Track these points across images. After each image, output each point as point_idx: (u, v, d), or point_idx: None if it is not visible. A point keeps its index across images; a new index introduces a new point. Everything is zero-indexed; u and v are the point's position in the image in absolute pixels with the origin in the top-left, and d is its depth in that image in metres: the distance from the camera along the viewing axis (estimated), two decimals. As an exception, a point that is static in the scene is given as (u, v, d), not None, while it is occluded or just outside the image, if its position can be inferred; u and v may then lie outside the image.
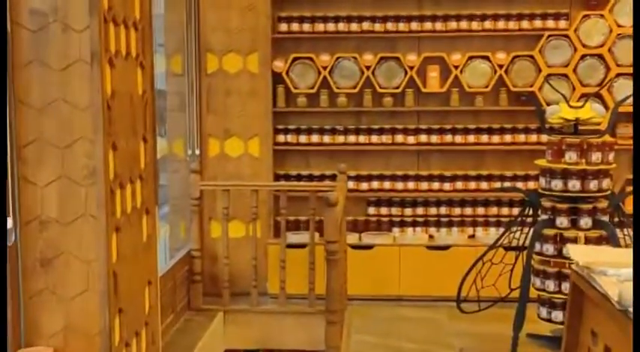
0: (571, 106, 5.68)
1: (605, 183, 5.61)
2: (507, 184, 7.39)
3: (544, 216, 5.67)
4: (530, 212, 5.91)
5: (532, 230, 5.82)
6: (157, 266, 4.09)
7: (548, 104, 7.29)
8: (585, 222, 5.55)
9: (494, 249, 6.02)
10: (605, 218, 5.58)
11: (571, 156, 5.54)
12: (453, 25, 7.33)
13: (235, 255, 6.83)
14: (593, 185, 5.54)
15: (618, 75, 7.24)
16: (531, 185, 7.35)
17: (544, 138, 7.21)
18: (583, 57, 7.27)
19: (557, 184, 5.59)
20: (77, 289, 3.40)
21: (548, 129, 5.76)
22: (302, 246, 7.11)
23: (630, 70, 7.22)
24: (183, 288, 6.58)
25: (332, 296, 5.41)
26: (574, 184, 5.54)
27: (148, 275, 3.90)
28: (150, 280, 3.92)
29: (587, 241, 5.50)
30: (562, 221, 5.59)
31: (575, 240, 5.51)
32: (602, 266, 3.06)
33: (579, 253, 3.35)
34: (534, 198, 5.79)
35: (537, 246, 5.67)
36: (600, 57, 7.27)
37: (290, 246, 6.86)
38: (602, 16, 7.22)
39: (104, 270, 3.34)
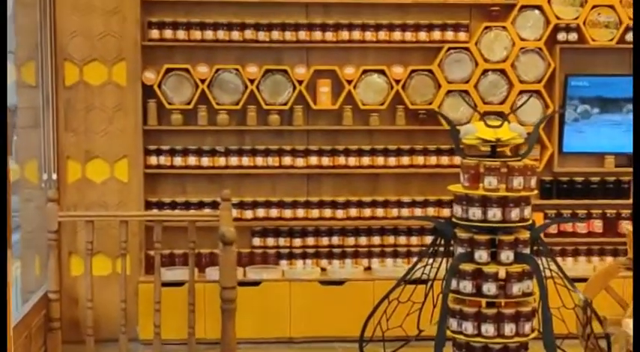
0: (488, 125, 5.06)
1: (527, 211, 5.01)
2: (405, 211, 6.76)
3: (460, 249, 5.02)
4: (442, 243, 5.25)
5: (447, 264, 5.16)
6: (10, 316, 3.21)
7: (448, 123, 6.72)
8: (506, 255, 4.92)
9: (401, 285, 5.33)
10: (527, 250, 4.99)
11: (491, 181, 4.91)
12: (344, 35, 6.65)
13: (100, 296, 6.02)
14: (514, 214, 4.92)
15: (522, 92, 6.74)
16: (430, 211, 6.76)
17: (444, 160, 6.74)
18: (485, 72, 6.73)
19: (475, 213, 4.94)
20: None
21: (462, 150, 5.12)
22: (179, 283, 6.29)
23: (534, 87, 6.73)
24: (40, 338, 5.59)
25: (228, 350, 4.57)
26: (494, 213, 4.91)
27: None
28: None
29: (509, 277, 4.89)
30: (481, 254, 4.94)
31: (495, 276, 4.89)
32: None
33: None
34: (447, 229, 5.13)
35: (453, 283, 5.01)
36: (502, 72, 6.74)
37: (165, 284, 6.00)
38: (504, 28, 6.71)
39: None
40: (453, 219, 5.09)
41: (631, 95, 6.77)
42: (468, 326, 4.93)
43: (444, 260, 5.23)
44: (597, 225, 6.85)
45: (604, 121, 6.82)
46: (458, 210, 5.04)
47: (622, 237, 6.85)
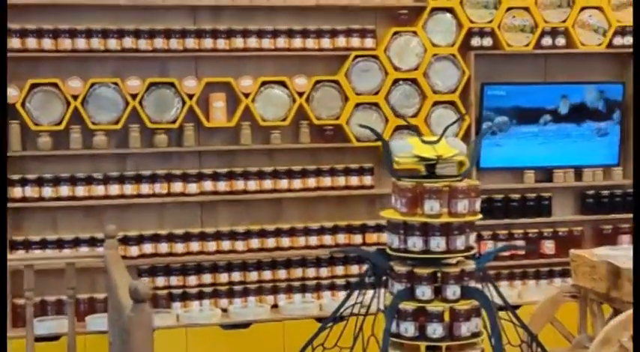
0: (424, 141, 4.38)
1: (472, 239, 4.36)
2: (313, 239, 6.02)
3: (398, 286, 4.30)
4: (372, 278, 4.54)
5: (378, 301, 4.45)
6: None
7: (358, 139, 6.06)
8: (453, 290, 4.25)
9: (325, 329, 4.57)
10: (474, 283, 4.34)
11: (432, 205, 4.23)
12: (238, 42, 5.86)
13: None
14: (460, 242, 4.26)
15: (436, 103, 6.13)
16: (341, 239, 6.05)
17: (353, 181, 6.07)
18: (395, 82, 6.09)
19: (416, 243, 4.24)
20: None
21: (396, 171, 4.42)
22: (54, 337, 5.33)
23: (449, 97, 6.14)
24: None
25: None
26: (438, 242, 4.23)
27: None
28: None
29: (456, 316, 4.21)
30: (424, 290, 4.24)
31: (441, 316, 4.20)
32: None
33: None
34: (382, 262, 4.41)
35: (393, 326, 4.30)
36: (414, 82, 6.12)
37: (39, 338, 5.07)
38: (414, 33, 6.09)
39: None
40: (388, 250, 4.38)
41: (548, 105, 6.39)
42: (411, 376, 4.24)
43: (378, 296, 4.51)
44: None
45: (522, 133, 6.31)
46: (394, 239, 4.33)
47: (545, 258, 6.37)
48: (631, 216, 6.43)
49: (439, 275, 4.27)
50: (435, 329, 4.21)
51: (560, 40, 6.26)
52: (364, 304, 4.55)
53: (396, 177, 4.37)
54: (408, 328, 4.24)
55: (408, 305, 4.25)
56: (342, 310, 4.54)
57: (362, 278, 4.60)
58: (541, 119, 6.33)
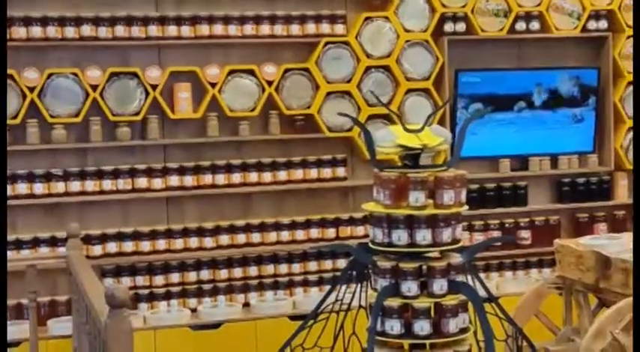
0: (407, 130, 4.17)
1: (458, 231, 4.17)
2: (285, 234, 5.80)
3: (382, 281, 4.09)
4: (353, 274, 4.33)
5: (360, 298, 4.24)
6: None
7: (330, 129, 5.84)
8: (440, 285, 4.05)
9: (305, 329, 4.35)
10: (460, 278, 4.15)
11: (418, 197, 4.02)
12: (204, 29, 5.61)
13: None
14: (446, 235, 4.06)
15: (409, 91, 5.94)
16: (314, 234, 5.85)
17: (326, 173, 5.88)
18: (367, 70, 5.88)
19: (400, 236, 4.04)
20: None
21: (378, 161, 4.21)
22: (15, 343, 5.05)
23: (422, 85, 5.96)
24: None
25: None
26: (424, 235, 4.03)
27: None
28: None
29: (443, 312, 4.02)
30: (410, 286, 4.04)
31: (428, 312, 4.01)
32: None
33: None
34: (365, 257, 4.20)
35: (378, 325, 4.09)
36: (387, 69, 5.92)
37: (-2, 346, 4.75)
38: (386, 18, 5.88)
39: None
40: (371, 245, 4.17)
41: (522, 91, 6.24)
42: (398, 376, 4.03)
43: (360, 293, 4.30)
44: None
45: (497, 121, 6.14)
46: (377, 233, 4.11)
47: (522, 249, 6.22)
48: (606, 203, 6.36)
49: (424, 269, 4.08)
50: (422, 327, 4.01)
51: (535, 25, 6.11)
52: (344, 301, 4.34)
53: (378, 168, 4.16)
54: (394, 326, 4.03)
55: (393, 302, 4.04)
56: (322, 307, 4.33)
57: (343, 273, 4.39)
58: (515, 106, 6.18)
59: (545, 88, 6.22)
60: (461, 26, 5.98)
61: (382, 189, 4.12)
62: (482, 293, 4.17)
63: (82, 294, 3.99)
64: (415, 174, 4.03)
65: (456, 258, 4.14)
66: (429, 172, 4.08)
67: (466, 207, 4.16)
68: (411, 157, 4.20)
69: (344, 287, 4.30)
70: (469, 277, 4.23)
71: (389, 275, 4.09)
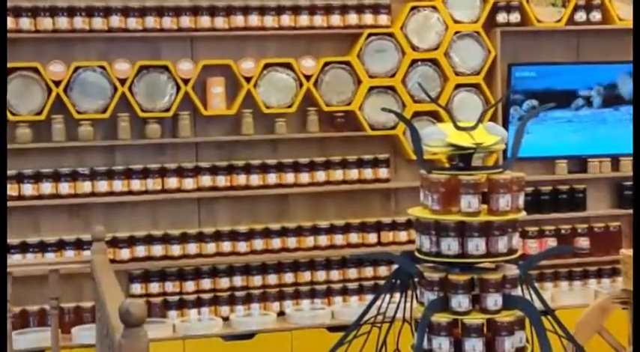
0: (459, 127, 3.79)
1: (515, 240, 3.78)
2: (323, 239, 5.48)
3: (429, 295, 3.72)
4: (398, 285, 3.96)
5: (405, 311, 3.87)
6: None
7: (372, 127, 5.48)
8: (494, 300, 3.66)
9: (344, 344, 3.99)
10: (516, 291, 3.76)
11: (470, 201, 3.64)
12: (239, 20, 5.31)
13: None
14: (502, 244, 3.68)
15: (458, 86, 5.55)
16: (354, 239, 5.51)
17: (367, 173, 5.55)
18: (413, 63, 5.51)
19: (450, 245, 3.66)
20: None
21: (426, 162, 3.83)
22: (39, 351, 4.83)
23: (472, 80, 5.57)
24: None
25: None
26: (477, 244, 3.65)
27: None
28: None
29: (498, 329, 3.63)
30: (460, 301, 3.66)
31: (481, 330, 3.62)
32: None
33: None
34: (410, 267, 3.82)
35: (425, 342, 3.71)
36: (435, 63, 5.53)
37: (18, 354, 4.60)
38: (434, 8, 5.50)
39: None
40: (417, 254, 3.80)
41: (581, 87, 5.81)
42: (447, 400, 3.65)
43: (404, 305, 3.93)
44: (551, 245, 5.73)
45: (554, 119, 5.72)
46: (424, 241, 3.75)
47: (579, 258, 5.79)
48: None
49: (477, 282, 3.70)
50: (474, 346, 3.64)
51: (596, 15, 5.69)
52: (387, 314, 3.98)
53: (426, 169, 3.78)
54: (442, 344, 3.67)
55: (441, 318, 3.68)
56: (363, 320, 3.97)
57: (386, 284, 4.02)
58: (573, 103, 5.75)
59: (606, 84, 5.80)
60: (515, 16, 5.59)
61: (430, 193, 3.75)
62: (537, 305, 3.81)
63: (103, 305, 3.69)
64: (467, 177, 3.65)
65: (512, 270, 3.76)
66: (482, 174, 3.70)
67: (524, 212, 3.78)
68: (463, 158, 3.83)
69: (387, 298, 3.94)
70: (524, 289, 3.89)
71: (437, 287, 3.72)
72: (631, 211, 5.88)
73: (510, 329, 3.69)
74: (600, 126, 5.82)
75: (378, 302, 3.94)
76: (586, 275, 5.83)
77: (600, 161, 5.84)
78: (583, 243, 5.80)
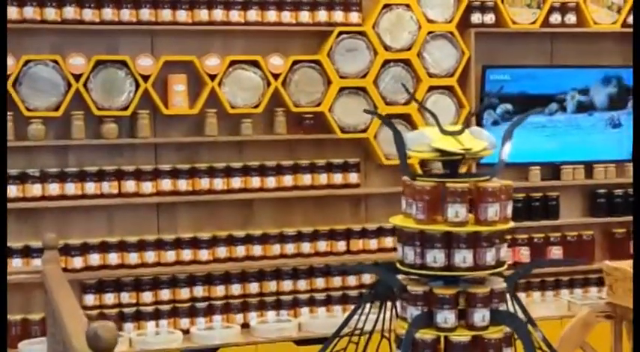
0: (444, 131, 3.56)
1: (503, 251, 3.57)
2: (289, 247, 5.24)
3: (413, 310, 3.48)
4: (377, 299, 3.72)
5: (383, 325, 3.63)
6: None
7: (342, 130, 5.25)
8: (481, 315, 3.45)
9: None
10: (503, 306, 3.54)
11: (458, 211, 3.41)
12: (203, 14, 5.04)
13: None
14: (490, 256, 3.46)
15: (431, 88, 5.34)
16: (322, 247, 5.29)
17: (337, 178, 5.30)
18: (385, 63, 5.28)
19: (436, 257, 3.43)
20: None
21: (409, 168, 3.59)
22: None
23: (446, 82, 5.37)
24: None
25: None
26: (464, 256, 3.42)
27: None
28: None
29: (485, 346, 3.41)
30: (446, 316, 3.44)
31: (466, 347, 3.39)
32: None
33: None
34: (393, 280, 3.58)
35: (408, 361, 3.48)
36: (407, 63, 5.32)
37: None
38: (407, 6, 5.29)
39: None
40: (400, 265, 3.56)
41: (556, 92, 5.65)
42: None
43: (383, 320, 3.70)
44: (524, 254, 5.55)
45: (527, 124, 5.50)
46: (408, 252, 3.51)
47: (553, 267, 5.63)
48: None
49: (463, 296, 3.47)
50: (462, 365, 3.41)
51: (571, 18, 5.56)
52: (365, 329, 3.74)
53: (410, 175, 3.54)
54: (427, 363, 3.43)
55: (425, 334, 3.45)
56: (338, 337, 3.72)
57: (367, 296, 3.78)
58: (547, 108, 5.59)
59: (580, 89, 5.64)
60: (489, 17, 5.43)
61: (414, 201, 3.52)
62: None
63: (60, 323, 3.37)
64: (455, 184, 3.42)
65: (500, 284, 3.55)
66: (471, 182, 3.48)
67: (512, 223, 3.57)
68: (449, 164, 3.60)
69: (366, 311, 3.71)
70: (509, 303, 3.68)
71: (421, 302, 3.50)
72: (604, 219, 5.78)
73: (498, 346, 3.48)
74: (574, 132, 5.67)
75: (355, 317, 3.72)
76: (558, 286, 5.68)
77: (574, 168, 5.70)
78: (556, 252, 5.65)
